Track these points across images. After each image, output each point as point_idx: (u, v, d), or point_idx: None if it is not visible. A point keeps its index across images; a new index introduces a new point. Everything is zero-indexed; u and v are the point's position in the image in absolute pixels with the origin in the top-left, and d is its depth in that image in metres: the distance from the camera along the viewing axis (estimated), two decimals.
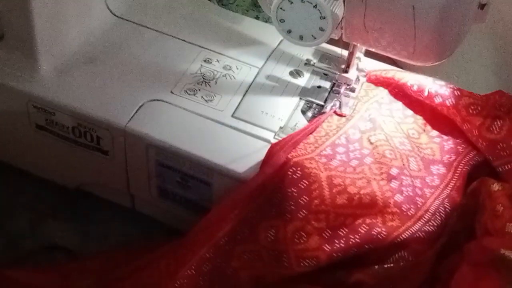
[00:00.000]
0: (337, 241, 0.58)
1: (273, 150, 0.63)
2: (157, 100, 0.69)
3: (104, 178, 0.73)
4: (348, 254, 0.58)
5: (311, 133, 0.66)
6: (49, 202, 0.76)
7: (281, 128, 0.67)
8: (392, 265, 0.58)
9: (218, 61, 0.73)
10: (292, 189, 0.60)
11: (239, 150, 0.65)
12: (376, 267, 0.58)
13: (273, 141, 0.66)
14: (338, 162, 0.63)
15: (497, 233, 0.56)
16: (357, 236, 0.58)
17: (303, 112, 0.69)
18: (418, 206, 0.61)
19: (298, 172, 0.61)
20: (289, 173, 0.61)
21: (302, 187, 0.60)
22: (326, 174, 0.61)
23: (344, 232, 0.59)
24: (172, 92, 0.69)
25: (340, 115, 0.69)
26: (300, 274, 0.59)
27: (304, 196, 0.60)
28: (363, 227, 0.59)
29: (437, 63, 0.61)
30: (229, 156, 0.64)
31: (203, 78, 0.71)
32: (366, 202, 0.60)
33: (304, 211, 0.60)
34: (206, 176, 0.65)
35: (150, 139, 0.66)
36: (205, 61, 0.73)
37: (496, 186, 0.59)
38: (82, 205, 0.76)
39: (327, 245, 0.58)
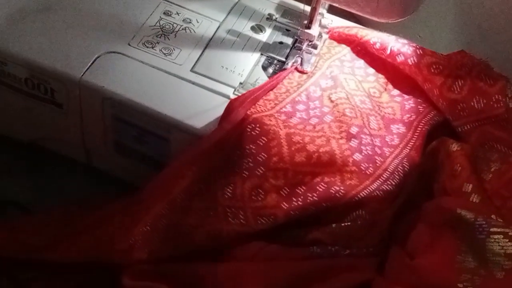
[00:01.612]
0: (295, 199, 0.57)
1: (232, 106, 0.61)
2: (114, 52, 0.66)
3: (59, 133, 0.70)
4: (306, 212, 0.57)
5: (271, 90, 0.64)
6: (4, 158, 0.73)
7: (241, 83, 0.65)
8: (349, 223, 0.57)
9: (178, 13, 0.70)
10: (251, 145, 0.59)
11: (198, 105, 0.63)
12: (334, 225, 0.57)
13: (233, 96, 0.64)
14: (298, 120, 0.62)
15: (454, 193, 0.56)
16: (315, 194, 0.57)
17: (264, 68, 0.67)
18: (377, 165, 0.60)
19: (257, 129, 0.59)
20: (248, 129, 0.59)
21: (261, 144, 0.59)
22: (285, 131, 0.60)
23: (302, 190, 0.58)
24: (129, 45, 0.67)
25: (302, 72, 0.67)
26: (258, 231, 0.57)
27: (262, 153, 0.59)
28: (322, 185, 0.58)
29: (400, 19, 0.60)
30: (187, 111, 0.62)
31: (162, 31, 0.69)
32: (324, 161, 0.59)
33: (262, 168, 0.58)
34: (164, 131, 0.63)
35: (106, 92, 0.63)
36: (164, 13, 0.70)
37: (455, 146, 0.59)
38: (37, 160, 0.73)
39: (284, 203, 0.57)
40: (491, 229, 0.49)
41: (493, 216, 0.51)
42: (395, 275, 0.54)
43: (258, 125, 0.59)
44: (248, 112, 0.61)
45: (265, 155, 0.58)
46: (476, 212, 0.51)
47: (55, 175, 0.73)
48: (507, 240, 0.48)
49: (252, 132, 0.59)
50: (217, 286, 0.56)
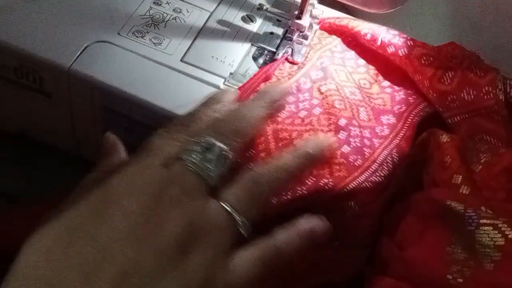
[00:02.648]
0: (284, 193, 0.57)
1: None
2: (103, 41, 0.65)
3: (48, 123, 0.69)
4: (295, 206, 0.57)
5: (263, 82, 0.64)
6: None
7: (231, 74, 0.64)
8: (338, 215, 0.57)
9: (168, 3, 0.69)
10: None
11: (188, 96, 0.62)
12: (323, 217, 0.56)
13: (223, 87, 0.63)
14: (287, 114, 0.61)
15: (444, 184, 0.55)
16: (304, 188, 0.56)
17: (255, 59, 0.66)
18: (366, 156, 0.59)
19: None
20: None
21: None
22: (272, 127, 0.59)
23: (291, 184, 0.57)
24: (119, 34, 0.65)
25: (292, 63, 0.66)
26: None
27: (250, 150, 0.58)
28: (310, 178, 0.57)
29: (390, 10, 0.59)
30: (177, 101, 0.61)
31: (152, 21, 0.68)
32: None
33: (251, 165, 0.58)
34: (153, 122, 0.62)
35: (95, 82, 0.62)
36: (154, 2, 0.69)
37: (445, 137, 0.58)
38: (26, 150, 0.72)
39: (274, 198, 0.57)
40: (481, 221, 0.48)
41: (482, 208, 0.50)
42: (385, 266, 0.54)
43: None
44: None
45: (253, 151, 0.58)
46: (465, 204, 0.50)
47: (44, 165, 0.71)
48: (497, 232, 0.47)
49: None
50: None
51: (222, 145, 0.49)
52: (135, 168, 0.47)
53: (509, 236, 0.47)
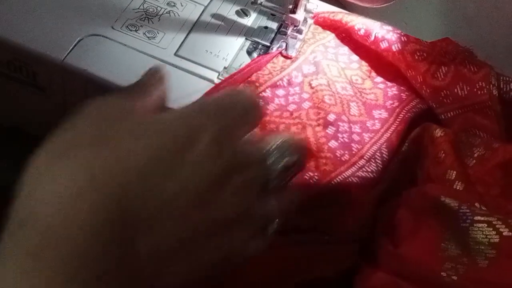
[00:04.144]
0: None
1: (214, 91, 0.59)
2: (97, 35, 0.63)
3: (41, 117, 0.67)
4: None
5: (254, 71, 0.62)
6: None
7: (225, 68, 0.63)
8: (326, 209, 0.55)
9: None
10: None
11: (182, 90, 0.60)
12: (311, 210, 0.55)
13: (217, 81, 0.61)
14: (276, 106, 0.60)
15: (438, 179, 0.54)
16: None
17: (249, 53, 0.65)
18: (353, 152, 0.58)
19: None
20: None
21: None
22: None
23: None
24: (112, 28, 0.64)
25: (286, 57, 0.65)
26: None
27: None
28: None
29: (385, 4, 0.58)
30: (171, 95, 0.59)
31: (146, 14, 0.66)
32: None
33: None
34: None
35: (89, 75, 0.60)
36: None
37: (438, 132, 0.57)
38: (19, 144, 0.71)
39: None
40: (475, 218, 0.47)
41: (476, 204, 0.49)
42: (378, 261, 0.53)
43: None
44: None
45: None
46: (460, 200, 0.49)
47: None
48: (491, 229, 0.46)
49: None
50: None
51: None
52: None
53: (504, 234, 0.46)
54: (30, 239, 0.34)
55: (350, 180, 0.56)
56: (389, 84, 0.65)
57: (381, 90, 0.64)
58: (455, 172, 0.53)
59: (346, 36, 0.68)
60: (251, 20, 0.68)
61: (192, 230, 0.38)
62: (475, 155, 0.56)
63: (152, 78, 0.46)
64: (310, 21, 0.68)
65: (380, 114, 0.62)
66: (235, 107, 0.41)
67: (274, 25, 0.68)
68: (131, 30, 0.64)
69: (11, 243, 0.34)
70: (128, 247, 0.35)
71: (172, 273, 0.37)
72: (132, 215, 0.35)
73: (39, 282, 0.33)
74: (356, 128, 0.60)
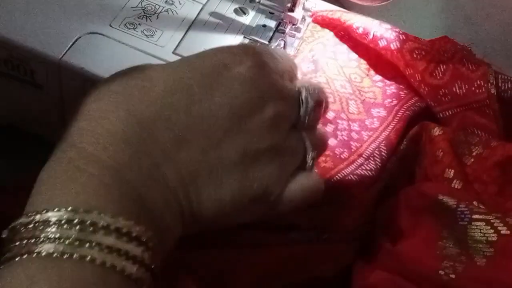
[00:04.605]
0: None
1: None
2: (95, 33, 0.62)
3: (38, 115, 0.67)
4: None
5: None
6: None
7: None
8: (325, 206, 0.55)
9: None
10: None
11: None
12: (309, 208, 0.55)
13: None
14: None
15: (436, 178, 0.54)
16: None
17: None
18: (352, 150, 0.58)
19: None
20: None
21: None
22: None
23: None
24: (111, 26, 0.63)
25: None
26: None
27: None
28: None
29: (383, 3, 0.58)
30: None
31: (144, 12, 0.66)
32: None
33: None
34: None
35: (86, 74, 0.60)
36: None
37: (437, 131, 0.57)
38: (16, 142, 0.71)
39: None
40: (473, 216, 0.47)
41: (475, 202, 0.49)
42: (376, 259, 0.53)
43: None
44: None
45: None
46: (458, 199, 0.49)
47: (34, 157, 0.70)
48: (489, 227, 0.46)
49: None
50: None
51: None
52: None
53: (502, 232, 0.45)
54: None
55: (349, 178, 0.56)
56: (388, 82, 0.65)
57: (379, 89, 0.64)
58: (453, 170, 0.53)
59: (345, 34, 0.68)
60: (249, 18, 0.68)
61: (226, 152, 0.39)
62: (473, 153, 0.56)
63: None
64: (308, 19, 0.68)
65: (379, 112, 0.62)
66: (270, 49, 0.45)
67: (272, 24, 0.68)
68: (129, 28, 0.64)
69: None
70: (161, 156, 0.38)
71: (209, 194, 0.39)
72: (166, 128, 0.39)
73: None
74: (355, 126, 0.60)
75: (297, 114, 0.45)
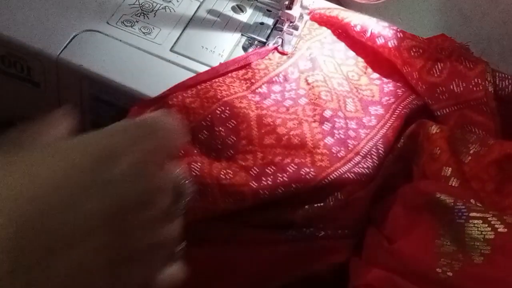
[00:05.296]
0: (264, 178, 0.55)
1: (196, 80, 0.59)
2: (92, 30, 0.62)
3: (36, 112, 0.67)
4: (275, 193, 0.55)
5: (245, 64, 0.62)
6: None
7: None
8: (322, 204, 0.55)
9: None
10: (220, 128, 0.56)
11: None
12: (306, 207, 0.55)
13: None
14: (272, 102, 0.59)
15: (433, 176, 0.54)
16: (285, 175, 0.55)
17: (244, 49, 0.64)
18: (349, 148, 0.58)
19: (226, 111, 0.56)
20: (217, 112, 0.56)
21: (230, 127, 0.56)
22: (256, 113, 0.57)
23: (272, 170, 0.55)
24: (108, 23, 0.63)
25: (282, 53, 0.64)
26: (229, 212, 0.55)
27: (231, 136, 0.56)
28: (292, 166, 0.55)
29: (381, 1, 0.58)
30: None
31: (142, 10, 0.65)
32: (295, 143, 0.56)
33: (231, 151, 0.55)
34: None
35: (84, 71, 0.60)
36: None
37: (434, 129, 0.57)
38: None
39: (254, 182, 0.54)
40: (471, 214, 0.47)
41: (472, 200, 0.49)
42: (373, 257, 0.52)
43: (228, 108, 0.57)
44: (219, 95, 0.58)
45: (234, 138, 0.56)
46: (455, 196, 0.49)
47: None
48: (486, 225, 0.46)
49: (222, 115, 0.56)
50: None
51: None
52: None
53: (499, 230, 0.45)
54: None
55: (346, 176, 0.56)
56: (385, 80, 0.65)
57: (377, 86, 0.64)
58: (450, 168, 0.53)
59: (342, 32, 0.67)
60: (247, 16, 0.68)
61: (104, 254, 0.36)
62: (471, 151, 0.55)
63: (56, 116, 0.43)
64: (306, 17, 0.68)
65: (376, 110, 0.62)
66: (158, 132, 0.39)
67: (270, 21, 0.67)
68: (126, 26, 0.64)
69: None
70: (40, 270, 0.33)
71: None
72: (44, 236, 0.33)
73: None
74: (352, 124, 0.59)
75: (170, 204, 0.40)
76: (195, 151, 0.56)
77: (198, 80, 0.59)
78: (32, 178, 0.34)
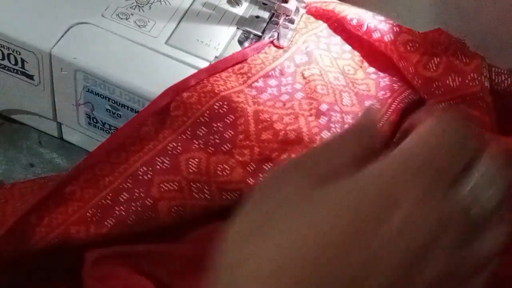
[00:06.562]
0: (261, 175, 0.55)
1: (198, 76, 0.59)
2: (86, 23, 0.62)
3: (30, 105, 0.66)
4: None
5: (241, 60, 0.62)
6: None
7: (216, 57, 0.61)
8: None
9: None
10: (218, 123, 0.56)
11: (172, 79, 0.59)
12: None
13: None
14: (268, 96, 0.59)
15: None
16: None
17: (240, 42, 0.64)
18: None
19: (224, 106, 0.56)
20: (215, 107, 0.56)
21: (228, 122, 0.56)
22: (253, 108, 0.57)
23: (269, 166, 0.55)
24: (102, 16, 0.63)
25: (278, 47, 0.64)
26: (224, 209, 0.55)
27: (229, 131, 0.56)
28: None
29: None
30: (161, 84, 0.58)
31: (137, 2, 0.65)
32: (291, 138, 0.56)
33: (228, 145, 0.55)
34: (137, 104, 0.60)
35: (78, 64, 0.59)
36: None
37: None
38: (7, 132, 0.70)
39: (251, 178, 0.55)
40: None
41: None
42: None
43: (226, 103, 0.56)
44: (216, 90, 0.58)
45: (232, 133, 0.56)
46: None
47: (26, 147, 0.69)
48: None
49: (220, 110, 0.56)
50: (180, 266, 0.54)
51: None
52: None
53: None
54: None
55: None
56: (381, 74, 0.65)
57: (373, 81, 0.64)
58: None
59: (339, 26, 0.67)
60: (242, 9, 0.67)
61: None
62: None
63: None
64: (302, 10, 0.67)
65: (372, 104, 0.61)
66: (445, 156, 0.36)
67: (265, 15, 0.67)
68: (121, 19, 0.63)
69: None
70: None
71: None
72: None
73: None
74: (349, 119, 0.59)
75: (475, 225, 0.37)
76: (193, 147, 0.56)
77: (199, 79, 0.59)
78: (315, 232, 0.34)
